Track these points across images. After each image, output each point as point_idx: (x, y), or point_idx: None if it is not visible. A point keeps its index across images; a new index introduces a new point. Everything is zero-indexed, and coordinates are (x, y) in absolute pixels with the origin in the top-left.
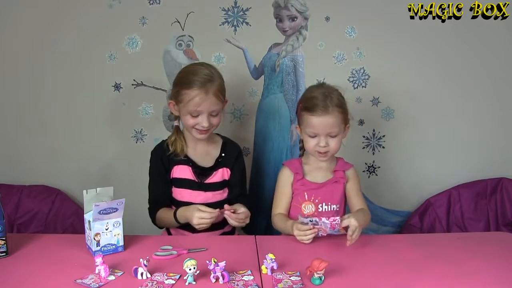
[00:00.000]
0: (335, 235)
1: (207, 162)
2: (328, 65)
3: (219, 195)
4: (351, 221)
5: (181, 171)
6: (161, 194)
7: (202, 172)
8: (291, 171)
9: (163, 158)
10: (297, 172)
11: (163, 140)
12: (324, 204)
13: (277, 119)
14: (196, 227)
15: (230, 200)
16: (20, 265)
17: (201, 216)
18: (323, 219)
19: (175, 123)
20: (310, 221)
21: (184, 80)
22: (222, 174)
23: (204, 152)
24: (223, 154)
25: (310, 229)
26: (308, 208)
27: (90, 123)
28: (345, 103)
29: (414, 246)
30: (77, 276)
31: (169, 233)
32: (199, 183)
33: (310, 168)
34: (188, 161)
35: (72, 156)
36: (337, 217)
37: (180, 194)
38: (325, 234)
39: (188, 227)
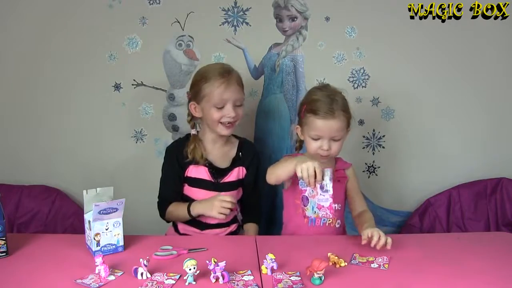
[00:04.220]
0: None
1: (224, 163)
2: (328, 65)
3: (235, 194)
4: (371, 231)
5: (197, 171)
6: (172, 191)
7: (218, 172)
8: None
9: (178, 157)
10: None
11: (180, 138)
12: None
13: (277, 119)
14: (217, 215)
15: (243, 200)
16: (20, 265)
17: (223, 199)
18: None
19: (192, 131)
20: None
21: (202, 77)
22: (237, 173)
23: (222, 153)
24: (240, 154)
25: None
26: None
27: (90, 123)
28: (348, 107)
29: (414, 246)
30: (77, 276)
31: (176, 229)
32: (215, 183)
33: None
34: (205, 162)
35: (72, 156)
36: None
37: (194, 193)
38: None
39: (196, 224)
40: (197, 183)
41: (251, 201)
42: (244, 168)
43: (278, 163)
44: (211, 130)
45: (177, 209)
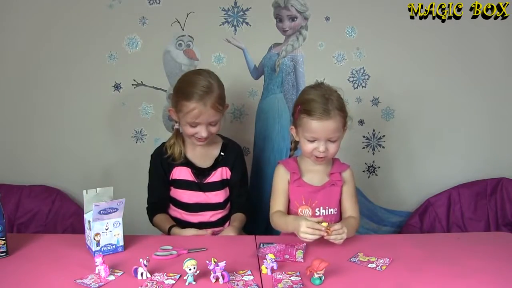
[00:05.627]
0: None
1: (206, 163)
2: (328, 65)
3: (220, 195)
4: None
5: (181, 173)
6: (159, 196)
7: (201, 172)
8: (287, 170)
9: (162, 162)
10: (294, 172)
11: (163, 143)
12: (321, 208)
13: (277, 119)
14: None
15: (231, 201)
16: (20, 265)
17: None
18: None
19: (176, 126)
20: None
21: (183, 91)
22: (221, 173)
23: (203, 153)
24: (222, 154)
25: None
26: (304, 212)
27: (90, 123)
28: (344, 105)
29: (414, 246)
30: (77, 276)
31: None
32: (199, 183)
33: (307, 169)
34: (187, 163)
35: (72, 156)
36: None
37: (180, 195)
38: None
39: (187, 227)
40: (182, 184)
41: (241, 200)
42: (228, 168)
43: (279, 219)
44: None
45: (161, 225)
